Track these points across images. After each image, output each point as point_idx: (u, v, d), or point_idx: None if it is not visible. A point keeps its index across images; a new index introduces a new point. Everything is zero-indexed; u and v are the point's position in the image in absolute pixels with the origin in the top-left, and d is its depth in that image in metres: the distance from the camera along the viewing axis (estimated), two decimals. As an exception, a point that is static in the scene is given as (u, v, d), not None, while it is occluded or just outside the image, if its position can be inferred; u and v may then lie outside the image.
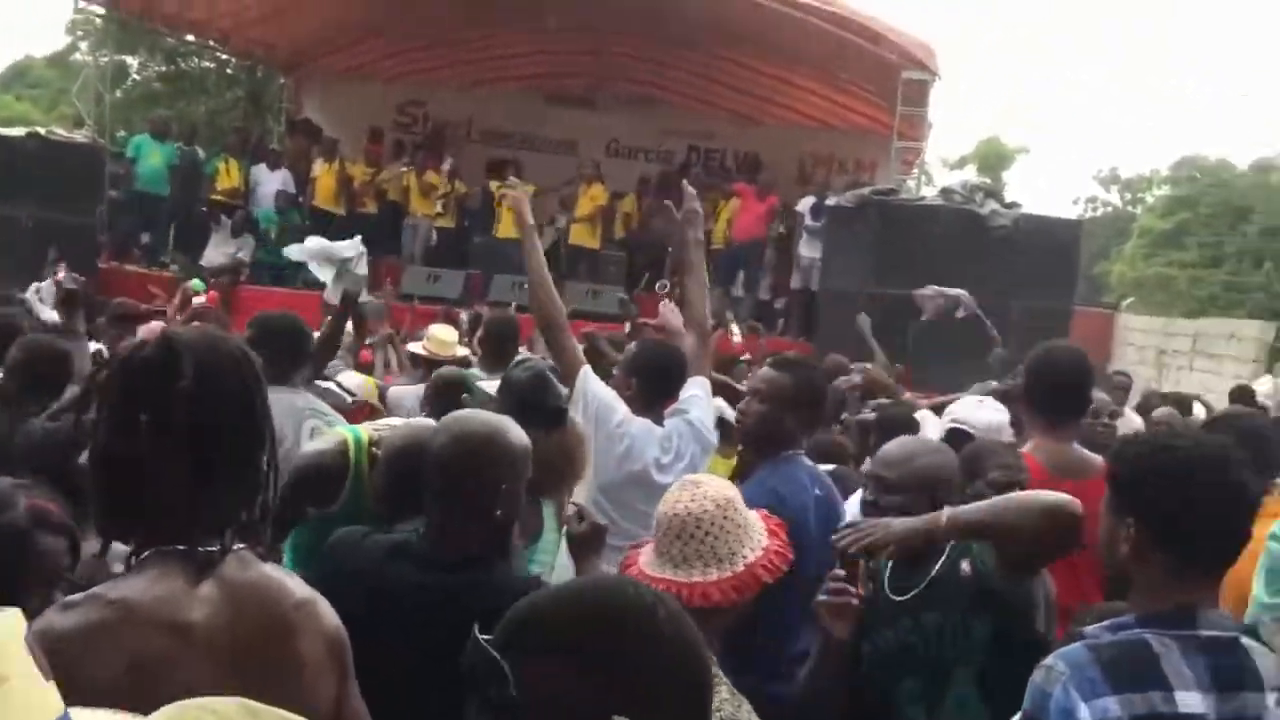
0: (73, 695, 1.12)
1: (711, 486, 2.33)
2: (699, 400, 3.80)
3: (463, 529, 2.33)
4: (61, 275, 5.24)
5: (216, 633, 1.59)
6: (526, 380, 3.09)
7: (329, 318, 5.22)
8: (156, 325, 5.87)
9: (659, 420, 3.74)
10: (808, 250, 13.13)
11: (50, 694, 1.12)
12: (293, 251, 5.36)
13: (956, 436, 3.87)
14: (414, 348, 6.57)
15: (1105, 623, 2.04)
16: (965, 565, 2.46)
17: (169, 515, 1.62)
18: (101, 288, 11.94)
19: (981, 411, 4.05)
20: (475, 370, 5.50)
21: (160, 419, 1.59)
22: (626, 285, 13.71)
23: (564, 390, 3.23)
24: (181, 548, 1.62)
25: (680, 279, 4.55)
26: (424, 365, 6.12)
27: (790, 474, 3.29)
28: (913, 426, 4.40)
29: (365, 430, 2.95)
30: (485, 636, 1.21)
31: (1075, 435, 3.48)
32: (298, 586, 1.73)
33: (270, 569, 1.72)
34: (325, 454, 2.91)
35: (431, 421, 2.87)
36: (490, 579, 2.29)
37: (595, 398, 3.64)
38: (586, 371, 3.72)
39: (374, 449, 2.86)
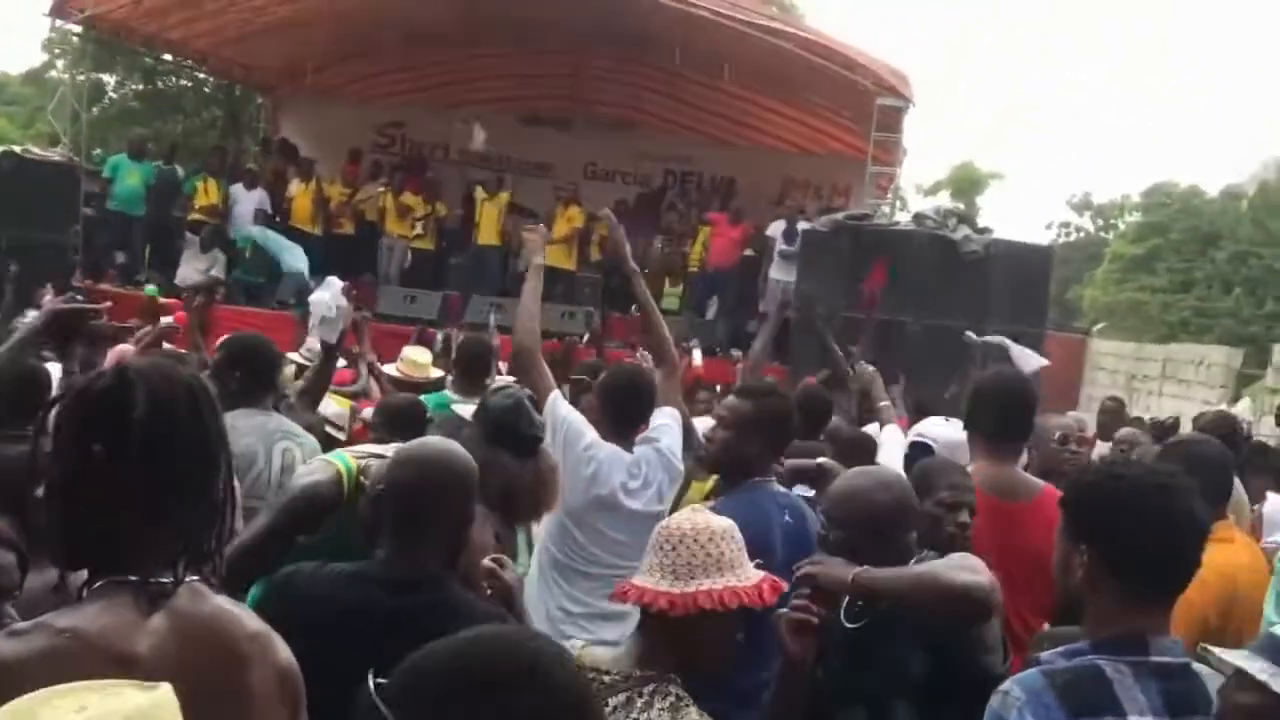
0: None
1: (713, 516, 2.34)
2: (668, 429, 3.84)
3: (421, 552, 2.39)
4: (48, 299, 5.21)
5: (163, 665, 1.56)
6: (504, 409, 3.10)
7: (318, 361, 5.21)
8: (125, 349, 5.86)
9: (628, 446, 3.78)
10: (779, 274, 13.19)
11: None
12: (321, 296, 5.30)
13: (918, 450, 3.97)
14: (389, 370, 6.58)
15: (1060, 649, 2.07)
16: None
17: (122, 545, 1.62)
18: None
19: (945, 428, 4.12)
20: (448, 393, 5.53)
21: (113, 449, 1.60)
22: (601, 307, 13.76)
23: (540, 419, 3.25)
24: (134, 578, 1.61)
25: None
26: (398, 387, 6.13)
27: (754, 501, 3.32)
28: (863, 451, 4.46)
29: (353, 459, 2.96)
30: (379, 682, 1.25)
31: (1016, 459, 3.55)
32: (250, 619, 1.73)
33: (224, 601, 1.71)
34: (321, 484, 2.90)
35: None
36: (449, 599, 2.34)
37: (564, 422, 3.68)
38: (556, 396, 3.76)
39: (361, 478, 2.88)
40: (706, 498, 5.28)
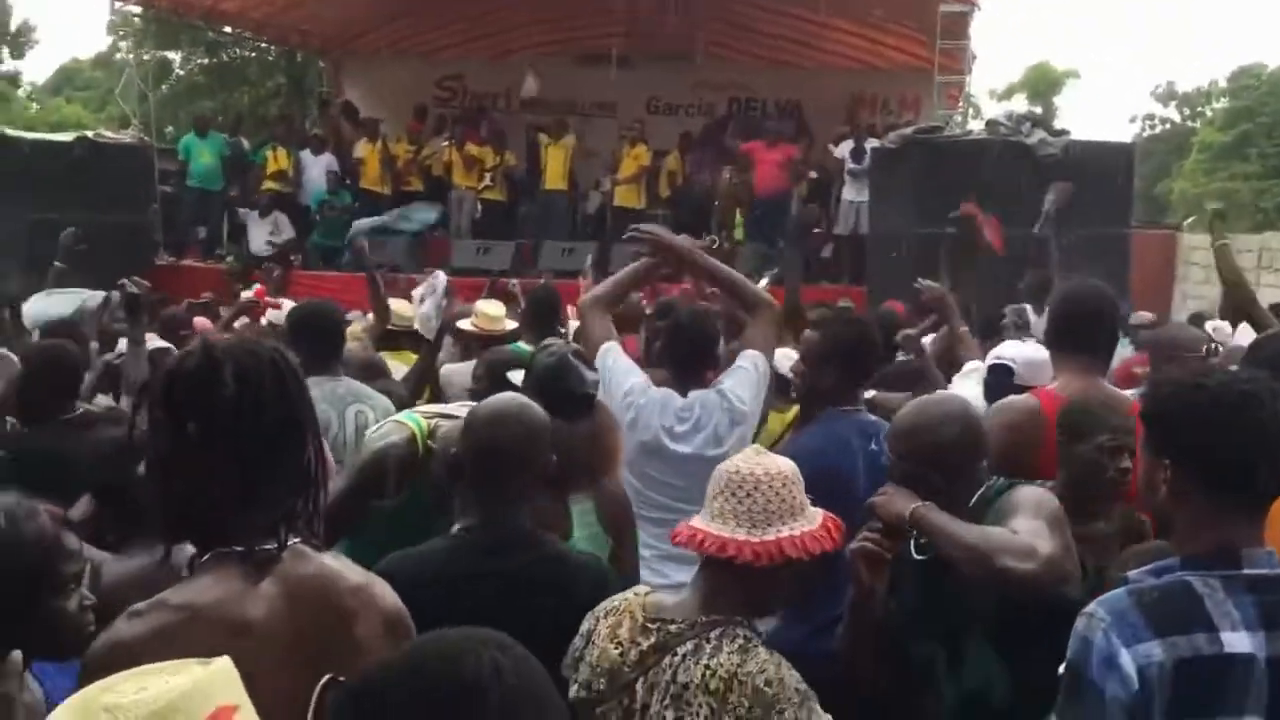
0: None
1: (778, 458, 2.29)
2: (738, 371, 3.73)
3: (512, 511, 2.40)
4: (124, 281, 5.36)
5: (276, 628, 1.65)
6: (548, 367, 3.04)
7: (424, 349, 5.28)
8: (203, 322, 5.96)
9: (688, 389, 3.73)
10: (850, 194, 12.93)
11: None
12: (436, 281, 5.38)
13: (999, 373, 3.87)
14: (463, 324, 6.59)
15: (1148, 567, 2.01)
16: None
17: (224, 518, 1.69)
18: (160, 285, 12.16)
19: (1024, 348, 4.02)
20: (521, 344, 5.54)
21: (206, 427, 1.67)
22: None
23: (593, 376, 3.15)
24: (239, 549, 1.68)
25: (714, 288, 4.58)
26: (474, 341, 6.14)
27: (834, 430, 3.29)
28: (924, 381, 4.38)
29: (424, 419, 2.98)
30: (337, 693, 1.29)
31: (1103, 373, 3.44)
32: (353, 573, 1.79)
33: (326, 559, 1.79)
34: (396, 445, 2.93)
35: None
36: (555, 553, 2.41)
37: (607, 372, 3.60)
38: (607, 348, 3.68)
39: (429, 441, 2.89)
40: (787, 428, 5.24)
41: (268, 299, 6.89)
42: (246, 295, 6.97)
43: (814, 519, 2.17)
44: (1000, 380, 3.80)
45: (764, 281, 9.87)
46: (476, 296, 9.31)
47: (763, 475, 2.17)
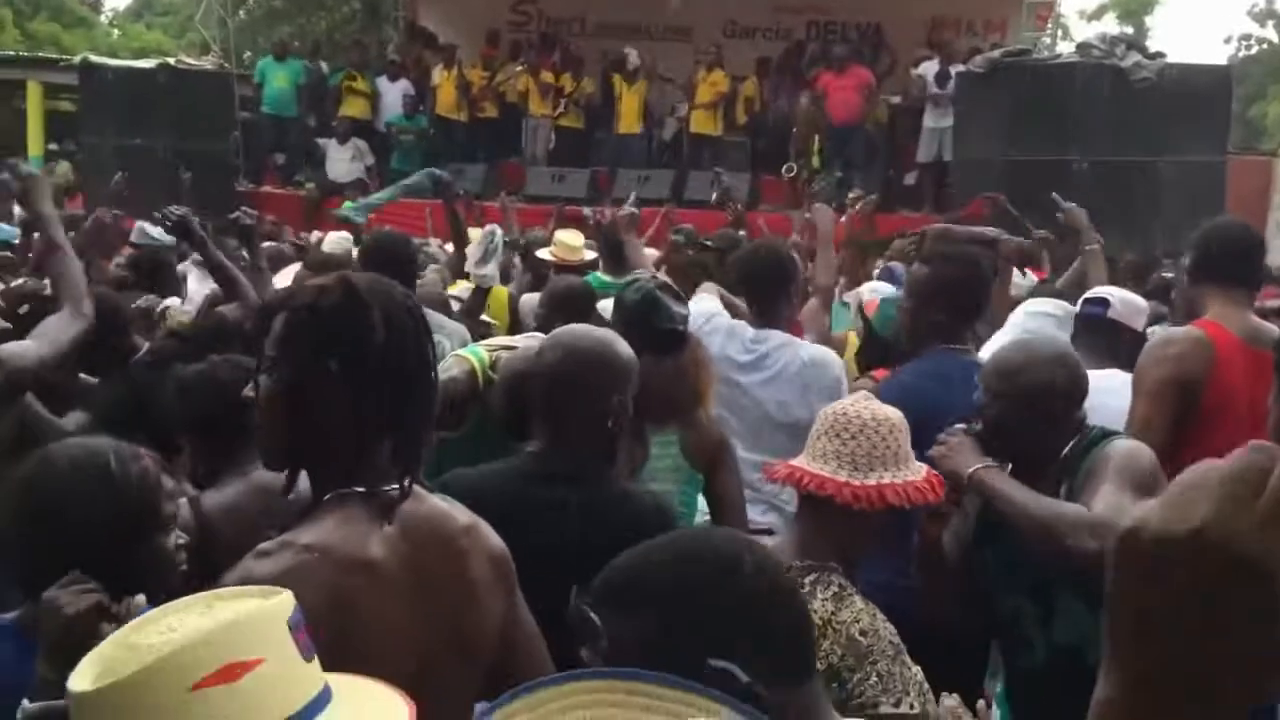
0: None
1: (886, 406, 2.25)
2: (831, 384, 3.58)
3: (574, 442, 2.32)
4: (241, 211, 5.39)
5: (398, 566, 1.68)
6: (634, 303, 2.99)
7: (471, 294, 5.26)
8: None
9: (764, 323, 3.65)
10: (932, 120, 12.57)
11: (309, 671, 1.22)
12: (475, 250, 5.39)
13: (1094, 305, 3.69)
14: (541, 254, 6.58)
15: None
16: (1066, 485, 2.36)
17: (351, 457, 1.70)
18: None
19: (1117, 290, 3.89)
20: (599, 274, 5.51)
21: (351, 367, 1.67)
22: (751, 171, 13.47)
23: (681, 311, 3.09)
24: (361, 490, 1.70)
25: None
26: (554, 272, 6.12)
27: (938, 369, 3.20)
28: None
29: (485, 351, 2.96)
30: (583, 595, 1.25)
31: (1251, 305, 3.37)
32: (461, 514, 1.83)
33: (436, 500, 1.81)
34: (457, 379, 2.91)
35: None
36: (611, 490, 2.31)
37: (698, 312, 3.55)
38: (705, 287, 3.67)
39: (490, 372, 2.88)
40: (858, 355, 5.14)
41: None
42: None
43: (918, 471, 2.13)
44: (1095, 314, 3.64)
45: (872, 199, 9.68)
46: (549, 223, 9.30)
47: (870, 419, 2.14)
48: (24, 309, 3.91)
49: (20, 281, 4.56)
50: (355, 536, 1.67)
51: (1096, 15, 36.03)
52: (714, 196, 10.73)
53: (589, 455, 2.33)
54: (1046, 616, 2.42)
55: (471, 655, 1.76)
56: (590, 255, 6.40)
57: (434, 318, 3.95)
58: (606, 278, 5.28)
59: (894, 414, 2.18)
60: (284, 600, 1.25)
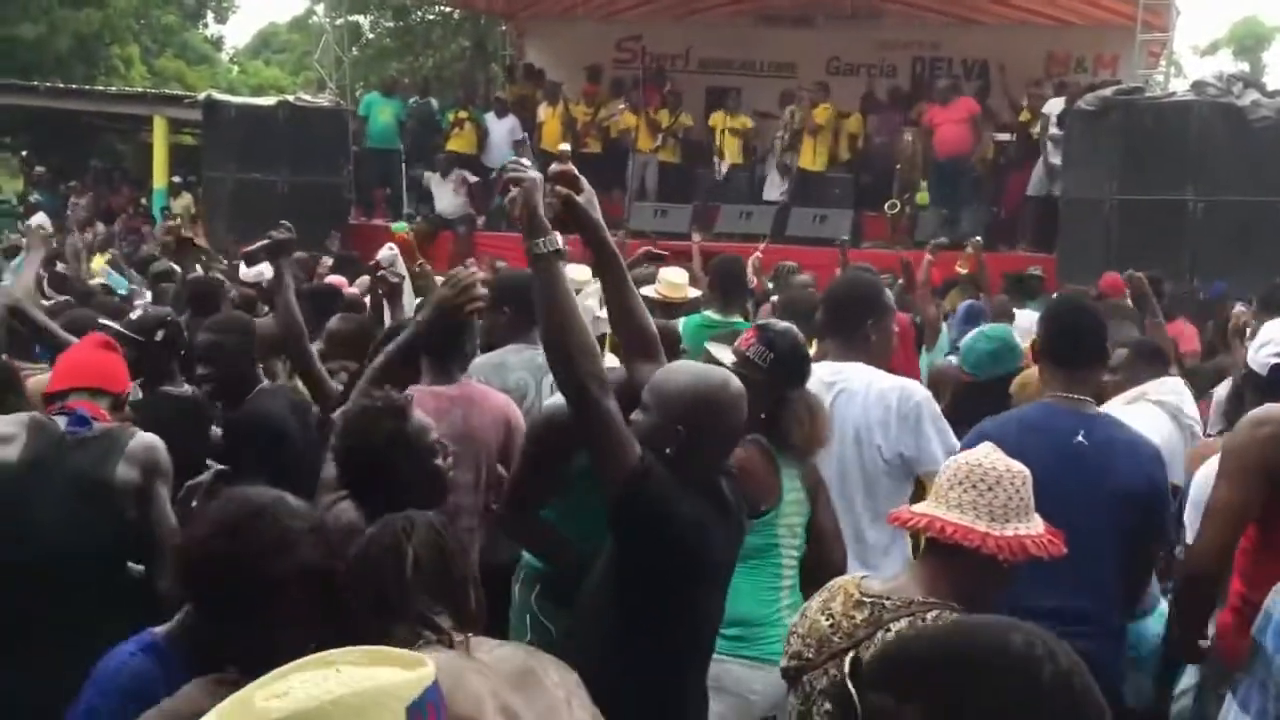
0: None
1: (1006, 457, 2.27)
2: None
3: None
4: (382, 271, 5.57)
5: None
6: (791, 340, 3.09)
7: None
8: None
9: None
10: (1056, 158, 12.25)
11: None
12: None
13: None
14: (645, 291, 6.64)
15: None
16: None
17: None
18: (353, 244, 12.69)
19: None
20: (708, 313, 5.55)
21: None
22: (854, 208, 13.41)
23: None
24: None
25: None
26: (658, 309, 6.18)
27: (1032, 418, 3.15)
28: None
29: None
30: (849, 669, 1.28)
31: None
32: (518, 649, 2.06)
33: (495, 644, 2.00)
34: (559, 407, 2.98)
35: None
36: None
37: None
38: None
39: None
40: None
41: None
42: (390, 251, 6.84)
43: (1039, 524, 2.18)
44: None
45: (941, 241, 9.60)
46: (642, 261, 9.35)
47: (1005, 471, 2.19)
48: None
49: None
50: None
51: (1210, 51, 35.22)
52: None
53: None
54: None
55: None
56: (694, 293, 6.46)
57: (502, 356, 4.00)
58: (716, 316, 5.32)
59: (1022, 467, 2.22)
60: (416, 678, 1.20)
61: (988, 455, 2.23)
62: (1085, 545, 2.84)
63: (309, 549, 1.96)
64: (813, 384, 3.44)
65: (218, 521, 1.99)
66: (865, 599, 2.20)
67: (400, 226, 10.63)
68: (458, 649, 1.81)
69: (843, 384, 3.44)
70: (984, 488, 2.16)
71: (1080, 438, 3.02)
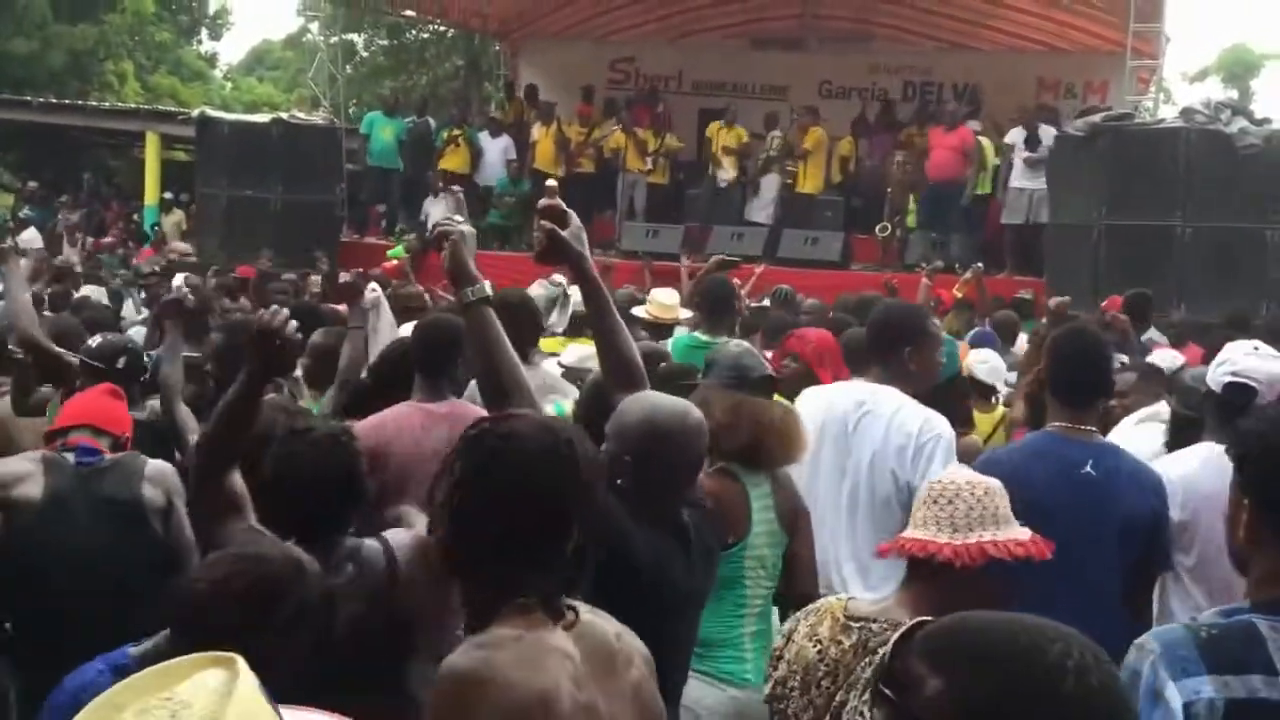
0: None
1: (980, 475, 2.33)
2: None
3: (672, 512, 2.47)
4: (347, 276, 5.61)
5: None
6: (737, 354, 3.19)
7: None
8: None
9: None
10: (1022, 181, 12.32)
11: None
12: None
13: (1237, 392, 3.21)
14: (637, 311, 6.68)
15: (1219, 608, 1.92)
16: None
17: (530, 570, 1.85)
18: (345, 261, 12.70)
19: (1261, 360, 3.30)
20: (696, 333, 5.58)
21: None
22: (844, 230, 13.47)
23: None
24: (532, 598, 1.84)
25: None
26: (649, 330, 6.22)
27: (1038, 447, 3.20)
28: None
29: (568, 407, 3.06)
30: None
31: None
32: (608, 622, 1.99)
33: (585, 610, 1.94)
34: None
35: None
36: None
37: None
38: None
39: None
40: (997, 427, 5.12)
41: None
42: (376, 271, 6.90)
43: (1021, 533, 2.20)
44: (1241, 402, 3.14)
45: (937, 265, 9.68)
46: (637, 280, 9.41)
47: (964, 484, 2.24)
48: None
49: None
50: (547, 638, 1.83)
51: (1199, 78, 35.47)
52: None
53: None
54: None
55: None
56: (685, 314, 6.49)
57: (553, 379, 4.08)
58: (704, 337, 5.35)
59: (991, 480, 2.26)
60: (240, 665, 1.12)
61: (950, 473, 2.30)
62: (1093, 573, 2.93)
63: (318, 616, 2.05)
64: (843, 402, 3.51)
65: (240, 593, 1.98)
66: (852, 624, 2.22)
67: (397, 252, 10.66)
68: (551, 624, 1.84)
69: (871, 406, 3.48)
70: (944, 502, 2.21)
71: (1089, 468, 3.08)
